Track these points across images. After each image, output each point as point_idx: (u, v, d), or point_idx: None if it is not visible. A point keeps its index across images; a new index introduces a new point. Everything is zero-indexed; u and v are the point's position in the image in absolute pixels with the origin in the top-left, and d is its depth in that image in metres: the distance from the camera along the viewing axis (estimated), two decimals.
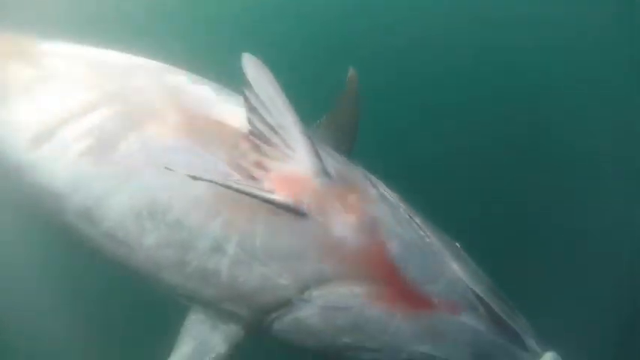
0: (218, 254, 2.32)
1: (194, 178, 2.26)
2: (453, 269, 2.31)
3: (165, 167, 2.31)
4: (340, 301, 2.26)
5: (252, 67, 2.34)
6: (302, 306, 2.30)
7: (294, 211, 2.26)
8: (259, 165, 2.35)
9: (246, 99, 2.35)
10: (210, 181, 2.25)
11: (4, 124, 2.66)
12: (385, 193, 2.49)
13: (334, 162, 2.52)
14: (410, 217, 2.43)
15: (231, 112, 2.57)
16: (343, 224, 2.28)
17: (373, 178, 2.57)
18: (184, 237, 2.34)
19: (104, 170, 2.46)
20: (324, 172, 2.35)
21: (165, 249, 2.37)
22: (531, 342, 2.29)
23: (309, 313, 2.29)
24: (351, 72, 3.24)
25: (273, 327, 2.40)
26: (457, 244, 2.48)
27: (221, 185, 2.25)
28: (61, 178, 2.52)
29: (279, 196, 2.26)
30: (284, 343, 2.45)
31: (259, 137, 2.35)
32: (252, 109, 2.34)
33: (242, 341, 2.45)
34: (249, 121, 2.36)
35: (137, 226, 2.40)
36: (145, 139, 2.47)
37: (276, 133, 2.32)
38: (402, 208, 2.45)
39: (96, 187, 2.46)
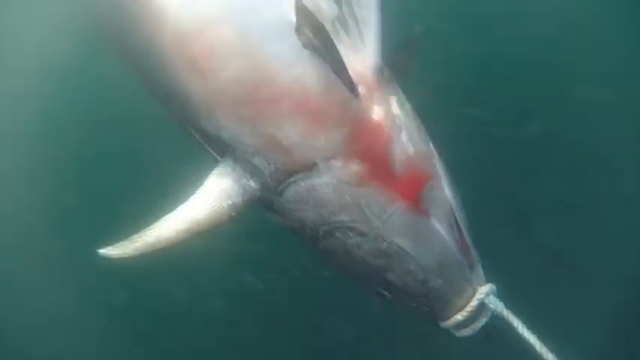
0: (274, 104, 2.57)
1: None
2: (447, 192, 2.66)
3: None
4: (356, 177, 2.55)
5: None
6: (322, 173, 2.56)
7: (350, 88, 2.51)
8: None
9: None
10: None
11: None
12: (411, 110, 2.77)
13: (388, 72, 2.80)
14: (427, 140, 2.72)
15: None
16: (385, 116, 2.58)
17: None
18: (259, 75, 2.56)
19: None
20: (382, 72, 2.65)
21: (235, 85, 2.58)
22: (480, 270, 2.68)
23: (325, 182, 2.55)
24: (418, 28, 3.48)
25: (287, 191, 2.63)
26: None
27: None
28: None
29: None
30: (284, 212, 2.70)
31: (342, 23, 2.60)
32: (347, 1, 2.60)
33: (255, 200, 2.72)
34: (339, 6, 2.59)
35: (222, 57, 2.59)
36: None
37: (357, 24, 2.59)
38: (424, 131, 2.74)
39: None
